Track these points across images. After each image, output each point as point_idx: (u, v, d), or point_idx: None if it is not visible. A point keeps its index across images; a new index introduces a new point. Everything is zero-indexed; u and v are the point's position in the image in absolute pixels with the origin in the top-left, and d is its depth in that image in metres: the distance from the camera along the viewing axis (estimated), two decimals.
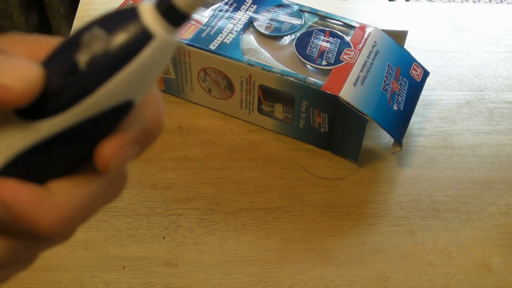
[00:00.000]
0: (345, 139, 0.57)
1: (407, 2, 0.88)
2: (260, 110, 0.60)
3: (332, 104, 0.55)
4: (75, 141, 0.21)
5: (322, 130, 0.58)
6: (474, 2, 1.57)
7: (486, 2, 1.64)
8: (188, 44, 0.58)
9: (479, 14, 0.77)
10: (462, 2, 1.27)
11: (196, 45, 0.58)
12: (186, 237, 0.52)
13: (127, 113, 0.21)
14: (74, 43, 0.20)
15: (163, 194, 0.55)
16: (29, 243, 0.22)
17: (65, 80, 0.20)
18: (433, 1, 1.18)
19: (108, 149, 0.21)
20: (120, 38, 0.19)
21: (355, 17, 0.62)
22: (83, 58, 0.19)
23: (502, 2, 1.65)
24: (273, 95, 0.59)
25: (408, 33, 0.63)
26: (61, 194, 0.21)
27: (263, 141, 0.60)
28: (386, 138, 0.60)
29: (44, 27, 1.38)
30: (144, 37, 0.19)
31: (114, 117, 0.21)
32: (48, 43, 0.22)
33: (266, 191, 0.56)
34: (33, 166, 0.21)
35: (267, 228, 0.54)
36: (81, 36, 0.19)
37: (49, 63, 0.20)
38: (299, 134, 0.60)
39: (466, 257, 0.52)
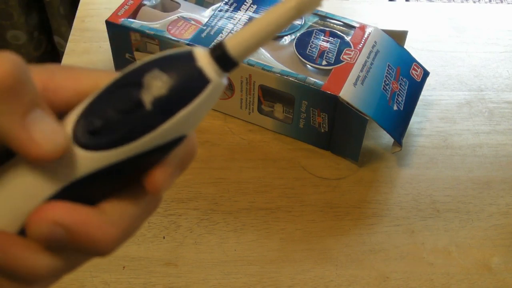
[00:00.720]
0: (345, 139, 0.57)
1: (407, 2, 0.88)
2: (260, 110, 0.60)
3: (332, 104, 0.55)
4: (129, 169, 0.23)
5: (322, 130, 0.58)
6: (474, 2, 1.57)
7: (486, 2, 1.64)
8: (188, 44, 0.58)
9: (479, 14, 0.77)
10: (462, 2, 1.27)
11: (196, 45, 0.58)
12: (186, 237, 0.52)
13: (179, 145, 0.23)
14: (135, 82, 0.21)
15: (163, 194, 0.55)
16: (71, 261, 0.24)
17: (129, 117, 0.21)
18: (433, 1, 1.18)
19: (160, 177, 0.23)
20: (182, 82, 0.21)
21: (355, 17, 0.62)
22: (147, 98, 0.21)
23: (502, 2, 1.65)
24: (273, 95, 0.59)
25: (408, 33, 0.63)
26: (113, 213, 0.23)
27: (263, 141, 0.60)
28: (386, 138, 0.60)
29: (44, 27, 1.38)
30: (202, 82, 0.21)
31: (168, 148, 0.23)
32: (89, 74, 0.23)
33: (266, 191, 0.56)
34: (88, 190, 0.23)
35: (267, 228, 0.54)
36: (142, 76, 0.21)
37: (109, 98, 0.22)
38: (299, 134, 0.60)
39: (466, 257, 0.52)
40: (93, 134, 0.22)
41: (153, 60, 0.22)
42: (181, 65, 0.21)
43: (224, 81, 0.22)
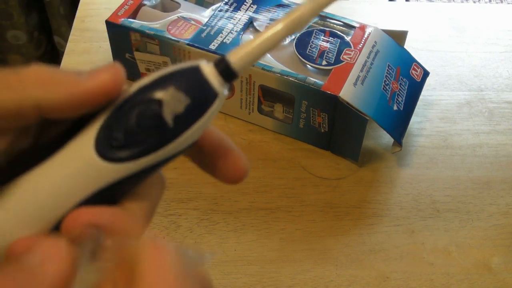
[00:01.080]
0: (345, 139, 0.57)
1: (407, 2, 0.88)
2: (260, 110, 0.60)
3: (332, 104, 0.55)
4: (148, 174, 0.26)
5: (322, 130, 0.58)
6: (474, 2, 1.57)
7: (486, 2, 1.64)
8: (188, 44, 0.58)
9: (479, 14, 0.77)
10: (462, 2, 1.27)
11: (196, 45, 0.58)
12: (186, 237, 0.52)
13: (189, 148, 0.26)
14: (153, 100, 0.24)
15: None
16: None
17: (151, 132, 0.24)
18: (433, 1, 1.18)
19: (245, 164, 0.27)
20: (197, 99, 0.24)
21: (355, 17, 0.62)
22: (168, 115, 0.24)
23: (502, 2, 1.65)
24: (273, 95, 0.59)
25: (408, 33, 0.63)
26: (134, 207, 0.26)
27: (263, 141, 0.60)
28: (386, 138, 0.60)
29: (44, 27, 1.38)
30: (212, 96, 0.24)
31: (181, 153, 0.26)
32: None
33: (266, 191, 0.56)
34: (112, 194, 0.25)
35: (267, 228, 0.54)
36: (159, 94, 0.24)
37: (129, 114, 0.24)
38: (299, 134, 0.60)
39: (466, 257, 0.52)
40: (116, 148, 0.24)
41: (165, 76, 0.24)
42: (193, 82, 0.24)
43: (226, 91, 0.25)
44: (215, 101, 0.24)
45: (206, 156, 0.27)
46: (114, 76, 0.23)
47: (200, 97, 0.24)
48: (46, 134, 0.25)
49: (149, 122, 0.24)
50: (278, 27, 0.24)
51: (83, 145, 0.24)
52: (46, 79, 0.23)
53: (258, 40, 0.24)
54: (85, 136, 0.24)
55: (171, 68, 0.24)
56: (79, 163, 0.24)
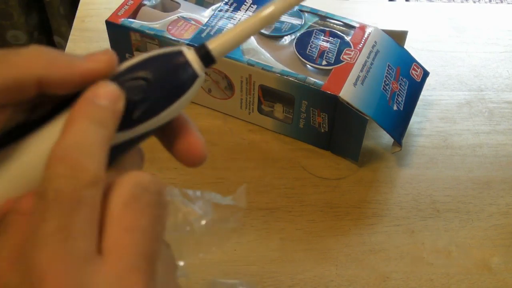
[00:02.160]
0: (345, 139, 0.57)
1: (407, 2, 0.88)
2: (260, 110, 0.60)
3: (332, 104, 0.55)
4: (130, 146, 0.28)
5: (322, 130, 0.58)
6: (474, 2, 1.57)
7: (486, 2, 1.64)
8: (188, 44, 0.58)
9: (479, 14, 0.77)
10: (462, 2, 1.27)
11: (196, 45, 0.57)
12: None
13: (169, 124, 0.28)
14: (142, 77, 0.26)
15: None
16: None
17: (139, 105, 0.26)
18: (433, 1, 1.18)
19: (203, 146, 0.30)
20: (180, 78, 0.27)
21: (355, 17, 0.62)
22: (155, 90, 0.26)
23: (502, 2, 1.65)
24: (273, 95, 0.59)
25: (408, 33, 0.63)
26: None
27: (263, 141, 0.60)
28: (386, 138, 0.60)
29: (44, 27, 1.38)
30: (193, 77, 0.27)
31: (162, 128, 0.28)
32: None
33: (266, 191, 0.56)
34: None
35: (267, 228, 0.54)
36: (147, 72, 0.26)
37: (122, 85, 0.26)
38: (299, 134, 0.60)
39: (466, 257, 0.52)
40: None
41: (152, 57, 0.27)
42: (177, 64, 0.27)
43: (204, 75, 0.28)
44: (195, 81, 0.27)
45: (169, 135, 0.29)
46: (108, 58, 0.26)
47: (182, 77, 0.27)
48: (38, 111, 0.27)
49: (138, 95, 0.26)
50: (253, 21, 0.27)
51: None
52: (47, 59, 0.25)
53: (235, 31, 0.27)
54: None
55: (157, 51, 0.27)
56: None
